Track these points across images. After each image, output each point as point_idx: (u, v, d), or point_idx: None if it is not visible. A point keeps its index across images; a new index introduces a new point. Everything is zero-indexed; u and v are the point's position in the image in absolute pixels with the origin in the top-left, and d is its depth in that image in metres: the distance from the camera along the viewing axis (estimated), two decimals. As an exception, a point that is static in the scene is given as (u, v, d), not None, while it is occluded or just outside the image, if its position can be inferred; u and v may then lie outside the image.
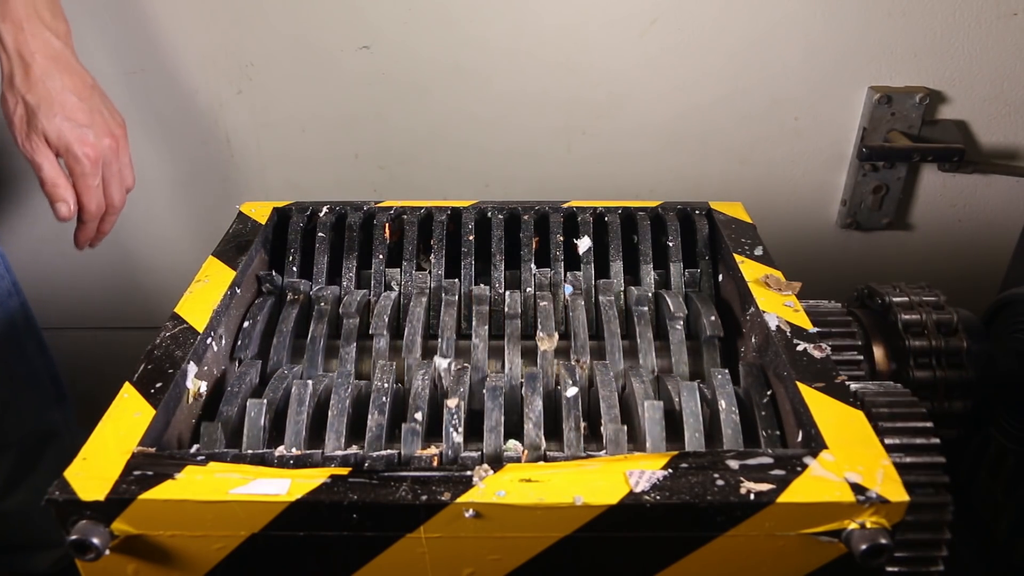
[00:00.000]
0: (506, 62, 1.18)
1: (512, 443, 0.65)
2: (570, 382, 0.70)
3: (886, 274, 1.33)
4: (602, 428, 0.66)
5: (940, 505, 0.67)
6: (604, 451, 0.65)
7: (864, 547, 0.52)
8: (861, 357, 0.84)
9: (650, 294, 0.85)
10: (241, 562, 0.56)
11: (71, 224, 0.95)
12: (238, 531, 0.55)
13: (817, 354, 0.67)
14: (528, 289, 0.86)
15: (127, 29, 1.16)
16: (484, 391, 0.68)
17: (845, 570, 0.56)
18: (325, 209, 0.92)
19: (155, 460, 0.57)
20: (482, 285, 0.85)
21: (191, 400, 0.69)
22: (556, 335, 0.77)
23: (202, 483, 0.55)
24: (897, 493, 0.53)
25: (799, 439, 0.62)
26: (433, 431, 0.68)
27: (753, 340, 0.75)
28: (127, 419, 0.61)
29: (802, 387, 0.63)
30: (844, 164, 1.25)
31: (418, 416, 0.66)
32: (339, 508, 0.54)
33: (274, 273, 0.87)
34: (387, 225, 0.91)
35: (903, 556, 0.69)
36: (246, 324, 0.80)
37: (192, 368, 0.69)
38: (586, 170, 1.27)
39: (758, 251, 0.84)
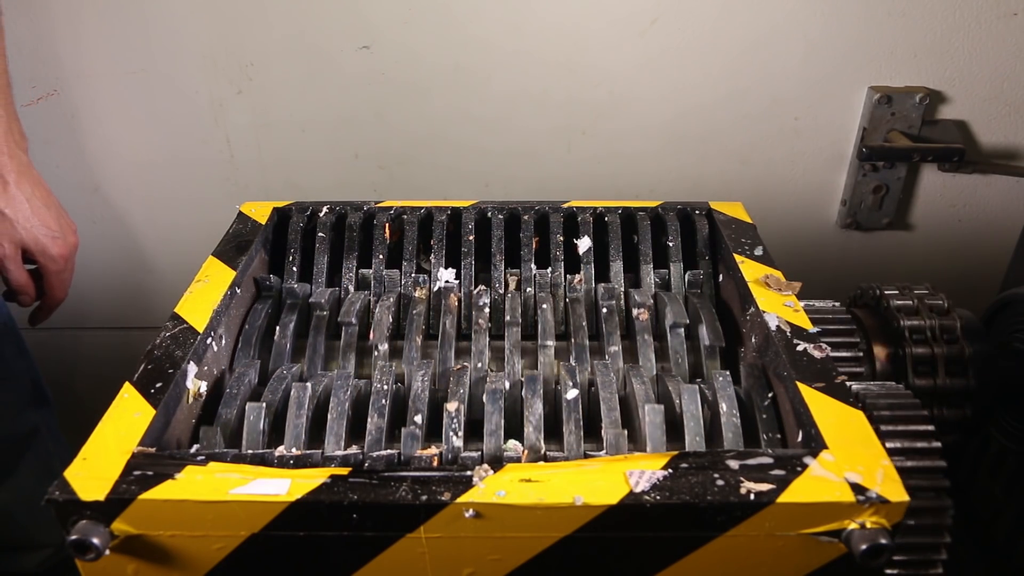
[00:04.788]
0: (506, 62, 1.18)
1: (512, 443, 0.65)
2: (570, 383, 0.70)
3: (886, 274, 1.33)
4: (602, 429, 0.66)
5: (940, 509, 0.67)
6: (604, 451, 0.65)
7: (864, 547, 0.52)
8: (861, 355, 0.84)
9: (651, 295, 0.85)
10: (241, 562, 0.56)
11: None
12: (238, 531, 0.55)
13: (817, 354, 0.67)
14: (528, 289, 0.86)
15: (127, 29, 1.16)
16: (484, 392, 0.68)
17: (845, 570, 0.56)
18: (325, 209, 0.92)
19: (155, 460, 0.57)
20: (482, 286, 0.85)
21: (191, 400, 0.69)
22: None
23: (202, 483, 0.55)
24: (897, 493, 0.53)
25: (799, 439, 0.62)
26: (433, 432, 0.68)
27: (753, 340, 0.75)
28: (127, 419, 0.61)
29: (802, 387, 0.63)
30: (844, 164, 1.25)
31: (418, 417, 0.66)
32: (339, 508, 0.54)
33: (272, 277, 0.86)
34: (387, 225, 0.91)
35: (903, 559, 0.69)
36: (246, 327, 0.80)
37: (192, 368, 0.69)
38: (586, 170, 1.27)
39: (758, 251, 0.84)
